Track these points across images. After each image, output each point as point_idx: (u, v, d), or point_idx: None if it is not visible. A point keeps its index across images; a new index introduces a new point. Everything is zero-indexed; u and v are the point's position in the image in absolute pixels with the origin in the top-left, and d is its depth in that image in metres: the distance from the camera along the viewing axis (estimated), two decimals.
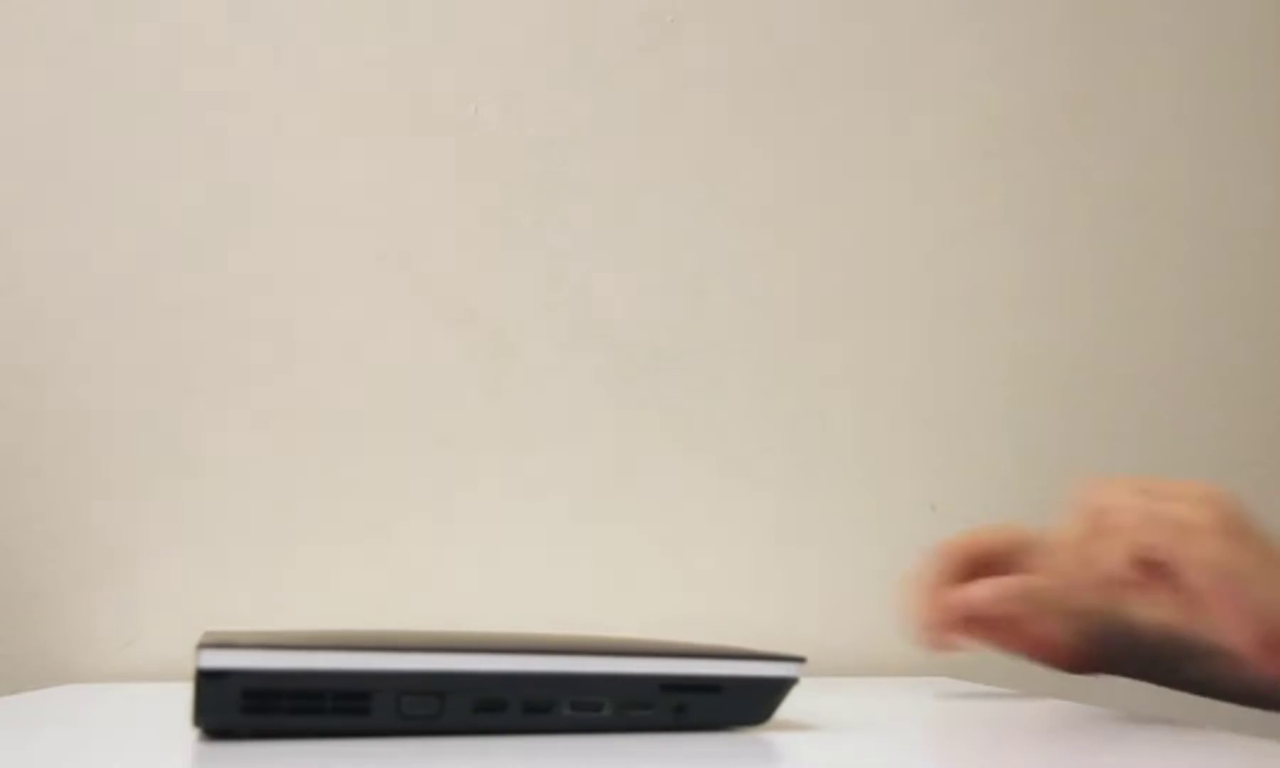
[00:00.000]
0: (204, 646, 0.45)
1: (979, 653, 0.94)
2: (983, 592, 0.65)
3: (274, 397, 0.90)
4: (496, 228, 0.94)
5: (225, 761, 0.43)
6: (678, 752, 0.46)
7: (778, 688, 0.53)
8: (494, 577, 0.91)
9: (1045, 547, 0.66)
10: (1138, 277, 1.02)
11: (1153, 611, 0.54)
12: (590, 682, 0.50)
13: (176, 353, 0.89)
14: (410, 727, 0.47)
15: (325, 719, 0.46)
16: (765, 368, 0.97)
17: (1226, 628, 0.51)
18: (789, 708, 0.53)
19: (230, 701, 0.45)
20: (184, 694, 0.45)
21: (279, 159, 0.92)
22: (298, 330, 0.91)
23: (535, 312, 0.94)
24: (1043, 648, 0.71)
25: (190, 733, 0.49)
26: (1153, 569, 0.52)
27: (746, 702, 0.52)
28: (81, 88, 0.90)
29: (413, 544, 0.91)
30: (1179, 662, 0.57)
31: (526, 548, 0.92)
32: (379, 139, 0.93)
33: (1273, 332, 1.03)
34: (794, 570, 0.95)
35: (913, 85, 1.01)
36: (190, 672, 0.45)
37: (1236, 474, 1.01)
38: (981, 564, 0.69)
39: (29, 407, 0.87)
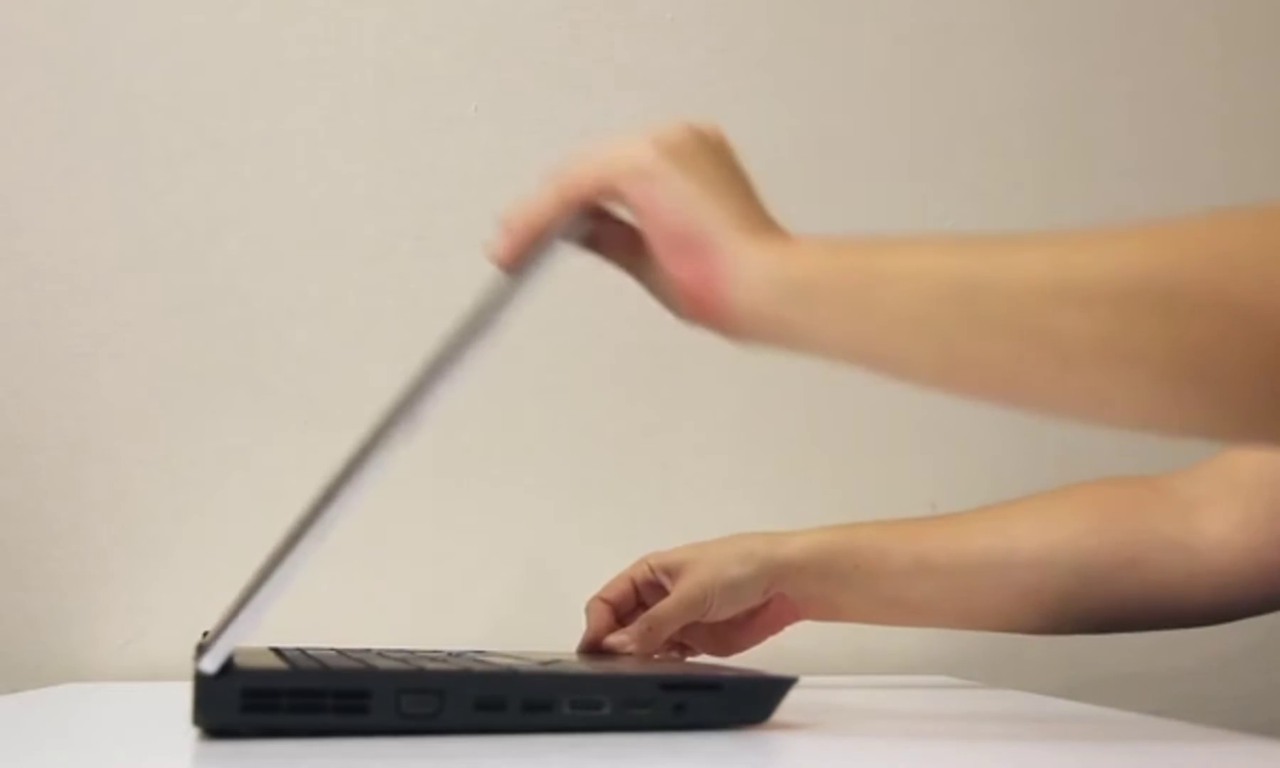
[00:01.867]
0: (204, 645, 0.45)
1: (976, 652, 0.94)
2: (622, 638, 0.72)
3: (275, 398, 0.90)
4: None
5: (225, 760, 0.43)
6: (677, 751, 0.46)
7: (777, 687, 0.53)
8: (495, 579, 0.92)
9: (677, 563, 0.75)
10: None
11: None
12: (590, 680, 0.50)
13: (178, 355, 0.89)
14: (410, 725, 0.47)
15: (325, 718, 0.46)
16: (764, 366, 0.97)
17: (642, 226, 0.51)
18: (788, 707, 0.53)
19: (230, 700, 0.45)
20: (184, 693, 0.45)
21: (280, 161, 0.92)
22: (299, 333, 0.91)
23: (533, 309, 0.94)
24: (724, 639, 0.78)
25: (190, 732, 0.49)
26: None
27: (746, 701, 0.52)
28: (88, 89, 0.90)
29: (413, 546, 0.91)
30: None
31: (528, 553, 0.92)
32: (377, 137, 0.93)
33: None
34: None
35: (914, 81, 1.01)
36: (191, 671, 0.45)
37: None
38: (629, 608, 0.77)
39: (31, 407, 0.88)
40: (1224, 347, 0.43)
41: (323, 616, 0.89)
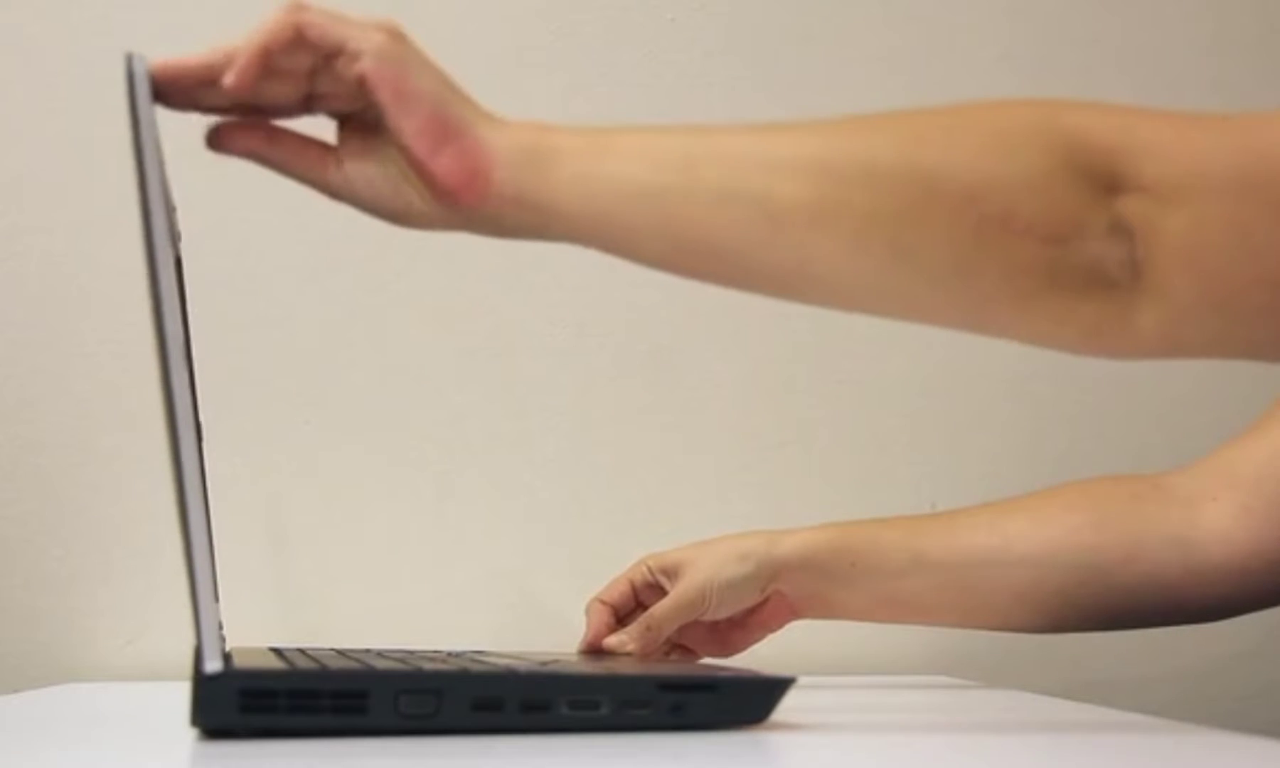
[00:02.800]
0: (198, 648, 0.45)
1: (976, 652, 0.94)
2: (621, 639, 0.73)
3: (275, 398, 0.90)
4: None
5: (223, 760, 0.43)
6: (675, 751, 0.46)
7: (775, 687, 0.53)
8: (494, 580, 0.92)
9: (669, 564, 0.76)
10: None
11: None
12: (588, 681, 0.50)
13: None
14: (408, 726, 0.47)
15: (323, 719, 0.46)
16: (766, 366, 0.97)
17: (395, 116, 0.51)
18: (787, 708, 0.53)
19: (228, 700, 0.45)
20: (184, 694, 0.45)
21: None
22: (299, 333, 0.91)
23: (533, 309, 0.94)
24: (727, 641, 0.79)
25: (189, 732, 0.49)
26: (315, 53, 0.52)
27: (744, 701, 0.52)
28: (88, 89, 0.90)
29: (412, 547, 0.91)
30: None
31: (528, 555, 0.92)
32: None
33: None
34: None
35: (912, 81, 1.01)
36: (190, 671, 0.45)
37: None
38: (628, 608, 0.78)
39: (31, 407, 0.88)
40: (915, 215, 0.48)
41: (323, 616, 0.89)
